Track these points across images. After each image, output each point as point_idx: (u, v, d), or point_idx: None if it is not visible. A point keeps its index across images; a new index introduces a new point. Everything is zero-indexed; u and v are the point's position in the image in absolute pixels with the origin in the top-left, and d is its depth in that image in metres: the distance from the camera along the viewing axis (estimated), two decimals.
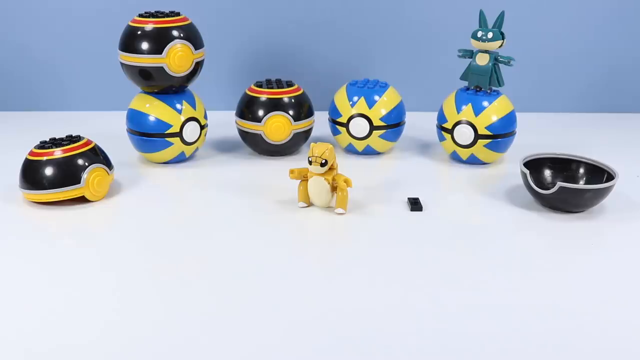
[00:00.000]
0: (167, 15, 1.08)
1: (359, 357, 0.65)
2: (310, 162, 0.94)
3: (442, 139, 1.17)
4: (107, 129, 1.25)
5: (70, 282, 0.78)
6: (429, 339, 0.68)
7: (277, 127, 1.14)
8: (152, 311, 0.72)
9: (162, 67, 1.06)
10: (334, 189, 0.96)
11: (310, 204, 0.98)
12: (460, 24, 1.27)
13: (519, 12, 1.36)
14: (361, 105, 1.16)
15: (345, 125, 1.17)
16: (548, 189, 0.95)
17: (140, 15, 1.08)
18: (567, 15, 1.43)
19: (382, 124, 1.16)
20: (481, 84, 1.13)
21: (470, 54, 1.14)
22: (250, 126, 1.16)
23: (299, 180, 0.98)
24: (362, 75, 1.43)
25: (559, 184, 0.93)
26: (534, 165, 1.02)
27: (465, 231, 0.92)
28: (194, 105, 1.13)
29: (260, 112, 1.14)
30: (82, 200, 0.98)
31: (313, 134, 1.23)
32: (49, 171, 0.95)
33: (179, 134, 1.11)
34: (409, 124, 1.24)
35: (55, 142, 0.98)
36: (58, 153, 0.96)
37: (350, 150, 1.21)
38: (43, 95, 1.46)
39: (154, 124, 1.10)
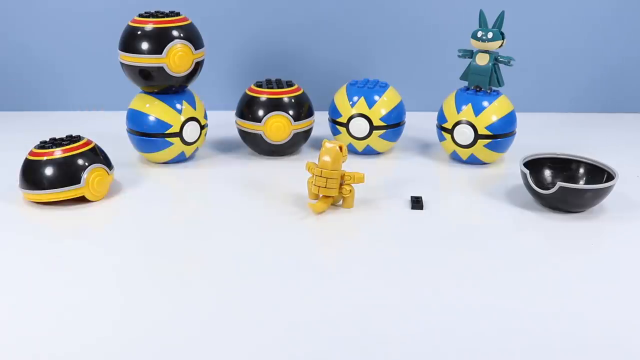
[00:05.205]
0: (167, 15, 1.08)
1: (359, 356, 0.65)
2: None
3: (442, 139, 1.17)
4: (107, 129, 1.25)
5: (70, 282, 0.78)
6: (429, 338, 0.68)
7: (277, 127, 1.14)
8: (152, 311, 0.72)
9: (162, 67, 1.06)
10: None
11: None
12: (460, 24, 1.27)
13: (519, 12, 1.36)
14: (361, 105, 1.16)
15: (345, 125, 1.17)
16: (548, 189, 0.95)
17: (140, 15, 1.08)
18: (567, 16, 1.43)
19: (382, 124, 1.16)
20: (481, 84, 1.13)
21: (470, 54, 1.14)
22: (250, 126, 1.16)
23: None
24: (362, 75, 1.43)
25: (559, 184, 0.93)
26: (534, 165, 1.02)
27: (465, 231, 0.92)
28: (194, 105, 1.13)
29: (260, 112, 1.14)
30: (82, 200, 0.98)
31: (313, 134, 1.23)
32: (49, 171, 0.95)
33: (179, 134, 1.11)
34: (409, 124, 1.24)
35: (55, 142, 0.98)
36: (58, 153, 0.96)
37: (350, 150, 1.21)
38: (43, 95, 1.46)
39: (154, 124, 1.10)
